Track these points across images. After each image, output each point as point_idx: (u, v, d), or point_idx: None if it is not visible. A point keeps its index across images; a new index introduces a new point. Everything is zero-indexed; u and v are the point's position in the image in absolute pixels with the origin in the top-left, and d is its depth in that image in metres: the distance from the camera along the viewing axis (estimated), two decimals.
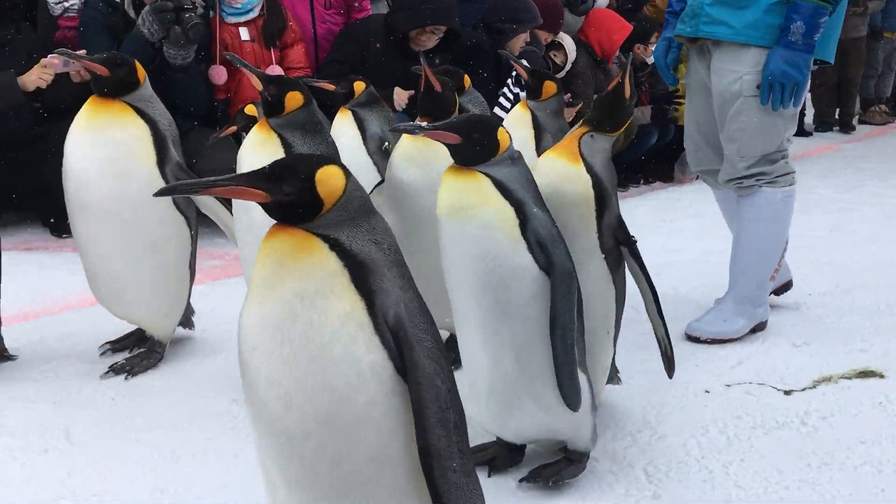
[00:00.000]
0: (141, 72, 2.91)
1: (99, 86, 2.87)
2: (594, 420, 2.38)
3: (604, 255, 2.46)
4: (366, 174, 3.24)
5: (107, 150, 2.82)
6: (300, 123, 2.66)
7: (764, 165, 3.41)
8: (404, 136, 2.83)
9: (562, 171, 2.43)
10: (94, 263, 3.02)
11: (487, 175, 2.16)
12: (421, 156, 2.83)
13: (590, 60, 6.58)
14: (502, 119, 5.25)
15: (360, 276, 1.56)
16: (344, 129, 3.52)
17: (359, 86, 3.56)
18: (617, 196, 2.55)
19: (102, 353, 3.24)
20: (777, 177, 3.43)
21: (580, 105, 5.67)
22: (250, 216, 2.65)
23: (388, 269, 1.60)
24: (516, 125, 3.51)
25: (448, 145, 2.16)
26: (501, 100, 5.36)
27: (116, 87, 2.86)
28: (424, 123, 2.24)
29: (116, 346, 3.27)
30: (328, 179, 1.59)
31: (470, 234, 2.14)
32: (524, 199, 2.16)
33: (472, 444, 2.44)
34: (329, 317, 1.52)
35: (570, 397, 2.17)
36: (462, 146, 2.16)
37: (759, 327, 3.61)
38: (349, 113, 3.56)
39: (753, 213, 3.47)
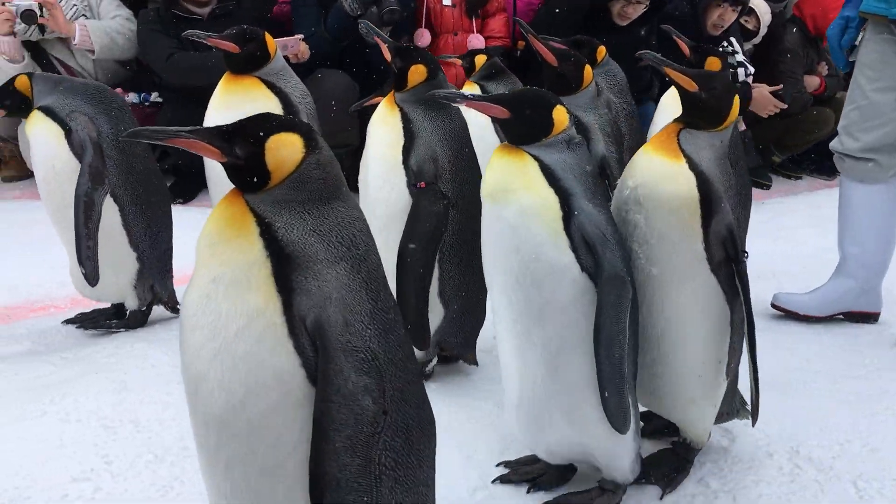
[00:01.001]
0: (271, 45, 2.86)
1: (231, 62, 2.86)
2: (637, 449, 2.07)
3: (712, 269, 2.04)
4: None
5: None
6: (423, 98, 2.49)
7: (883, 156, 3.13)
8: None
9: (659, 169, 2.02)
10: None
11: (536, 158, 1.88)
12: None
13: (801, 37, 5.79)
14: None
15: (284, 270, 1.37)
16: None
17: (480, 59, 3.40)
18: (749, 199, 2.17)
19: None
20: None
21: (779, 87, 5.05)
22: None
23: (327, 265, 1.39)
24: (667, 109, 3.32)
25: (496, 119, 1.92)
26: None
27: (247, 63, 2.84)
28: (469, 93, 1.97)
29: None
30: (280, 148, 1.41)
31: (507, 220, 1.87)
32: (573, 190, 1.86)
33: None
34: (239, 310, 1.35)
35: (616, 418, 1.86)
36: (511, 122, 1.90)
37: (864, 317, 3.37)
38: (475, 86, 3.41)
39: (866, 203, 3.23)
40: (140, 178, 2.88)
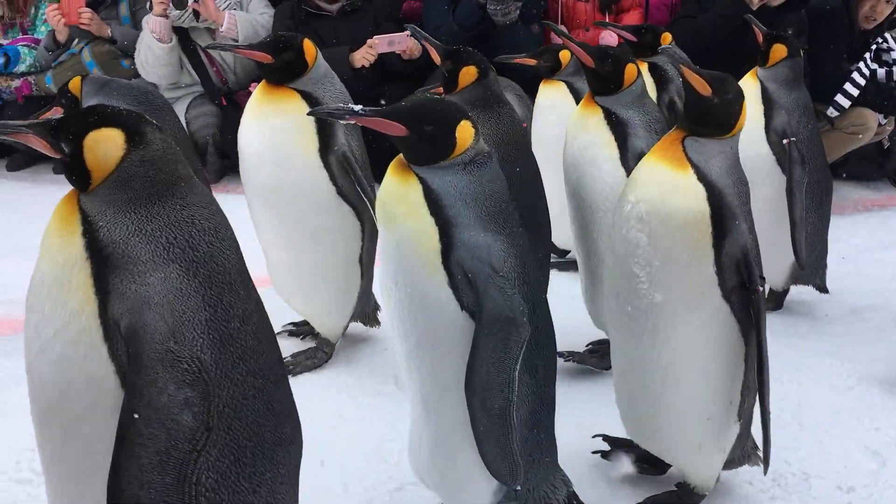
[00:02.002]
0: (310, 54, 2.59)
1: (265, 72, 2.62)
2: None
3: (724, 296, 1.77)
4: None
5: (266, 138, 2.58)
6: (473, 99, 2.41)
7: None
8: None
9: (663, 180, 1.77)
10: (265, 250, 2.78)
11: (423, 181, 1.64)
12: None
13: None
14: (852, 96, 4.32)
15: (103, 271, 1.30)
16: (557, 100, 3.21)
17: (565, 55, 3.20)
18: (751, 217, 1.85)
19: (278, 333, 3.08)
20: None
21: None
22: None
23: (152, 268, 1.29)
24: None
25: (393, 138, 1.68)
26: (854, 75, 4.32)
27: (282, 73, 2.58)
28: (360, 107, 1.67)
29: (297, 329, 2.99)
30: (98, 145, 1.33)
31: (390, 248, 1.68)
32: (458, 220, 1.61)
33: None
34: (58, 310, 1.31)
35: (499, 472, 1.64)
36: (409, 140, 1.65)
37: None
38: (562, 84, 3.24)
39: None
40: None
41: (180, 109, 4.98)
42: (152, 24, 4.77)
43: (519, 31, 4.71)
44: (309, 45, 2.58)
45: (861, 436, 2.37)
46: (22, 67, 5.23)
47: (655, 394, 1.91)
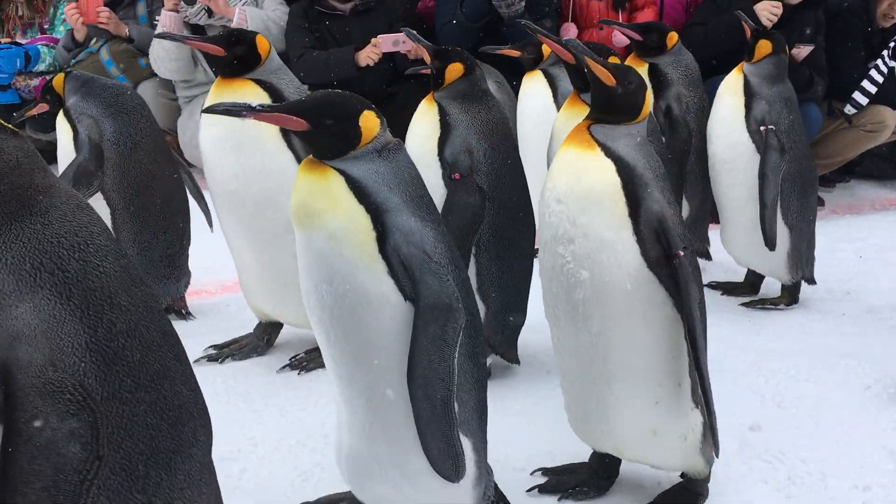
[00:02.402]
0: (263, 47, 2.58)
1: (218, 65, 2.62)
2: (483, 498, 1.78)
3: (650, 268, 1.76)
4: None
5: (226, 128, 2.51)
6: (460, 93, 2.47)
7: None
8: None
9: (573, 161, 1.80)
10: (233, 254, 2.73)
11: (342, 172, 1.59)
12: None
13: None
14: (870, 93, 4.28)
15: None
16: (535, 89, 3.27)
17: (547, 48, 3.23)
18: (674, 190, 1.92)
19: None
20: None
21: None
22: None
23: (17, 299, 1.19)
24: (726, 91, 3.12)
25: (296, 133, 1.64)
26: (872, 72, 4.27)
27: (236, 66, 2.56)
28: (258, 103, 1.65)
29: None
30: None
31: (315, 248, 1.60)
32: (388, 205, 1.57)
33: None
34: None
35: (443, 467, 1.58)
36: (311, 135, 1.62)
37: None
38: (539, 73, 3.31)
39: None
40: (137, 182, 2.85)
41: (196, 108, 4.99)
42: (164, 19, 4.79)
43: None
44: (262, 40, 2.59)
45: (878, 435, 2.32)
46: (42, 66, 5.25)
47: (600, 383, 1.88)
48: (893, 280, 3.53)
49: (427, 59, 2.55)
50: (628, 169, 1.78)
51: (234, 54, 2.55)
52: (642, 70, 3.24)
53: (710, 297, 3.15)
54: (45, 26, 5.53)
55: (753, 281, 3.36)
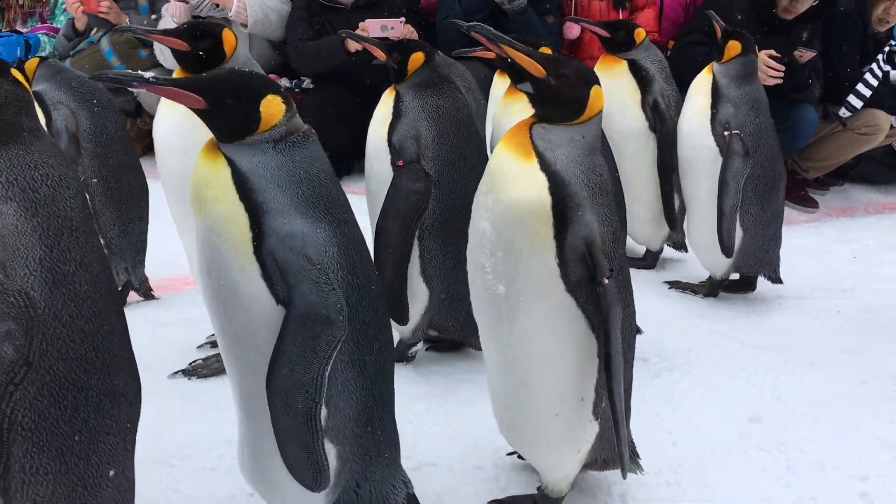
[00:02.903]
0: (229, 43, 2.47)
1: (181, 60, 2.49)
2: None
3: (568, 289, 1.69)
4: None
5: (178, 125, 2.42)
6: (419, 82, 2.47)
7: None
8: None
9: (507, 169, 1.69)
10: (187, 249, 2.65)
11: (231, 162, 1.51)
12: None
13: None
14: (865, 97, 4.33)
15: None
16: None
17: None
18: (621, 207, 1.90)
19: (200, 346, 2.80)
20: None
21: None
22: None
23: None
24: (695, 91, 3.14)
25: (194, 111, 1.54)
26: (867, 76, 4.32)
27: (199, 62, 2.44)
28: (151, 75, 1.63)
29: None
30: None
31: (200, 236, 1.55)
32: (270, 205, 1.49)
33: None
34: None
35: (302, 476, 1.53)
36: (208, 114, 1.53)
37: None
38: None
39: None
40: (115, 170, 2.96)
41: None
42: (171, 9, 4.78)
43: (533, 21, 4.71)
44: (229, 35, 2.48)
45: (876, 428, 2.35)
46: (42, 55, 5.24)
47: (509, 387, 1.85)
48: (888, 280, 3.57)
49: (382, 56, 2.53)
50: (562, 187, 1.67)
51: (198, 49, 2.44)
52: (620, 68, 3.29)
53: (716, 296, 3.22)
54: (46, 15, 5.52)
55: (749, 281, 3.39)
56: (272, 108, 1.53)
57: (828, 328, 3.08)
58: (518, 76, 2.57)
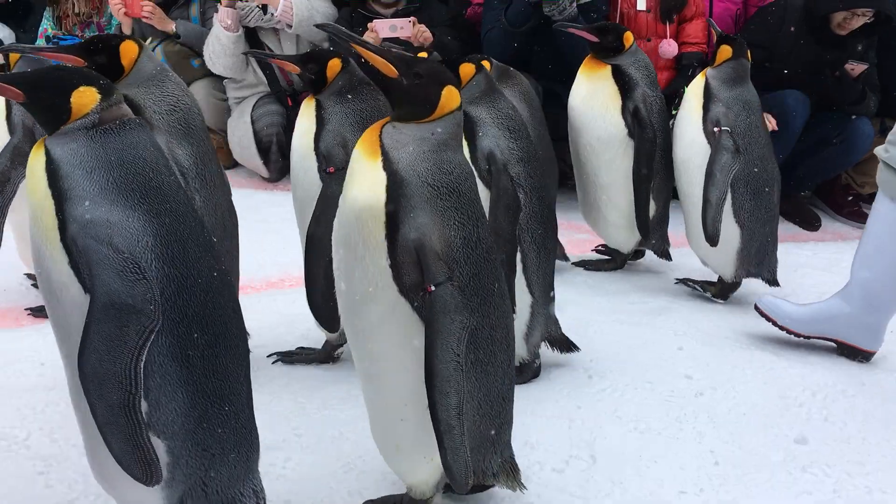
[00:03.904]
0: (127, 56, 2.35)
1: None
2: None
3: (401, 293, 1.67)
4: None
5: None
6: (338, 88, 2.47)
7: None
8: None
9: (354, 168, 1.72)
10: None
11: (47, 151, 1.56)
12: None
13: None
14: None
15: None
16: None
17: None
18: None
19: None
20: None
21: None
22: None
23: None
24: (690, 95, 3.24)
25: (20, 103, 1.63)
26: None
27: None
28: None
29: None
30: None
31: (28, 224, 1.61)
32: (75, 192, 1.51)
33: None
34: None
35: (128, 467, 1.52)
36: (28, 106, 1.63)
37: (853, 352, 2.82)
38: None
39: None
40: None
41: (246, 108, 5.05)
42: (221, 14, 4.85)
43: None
44: (128, 47, 2.37)
45: None
46: None
47: (363, 381, 1.84)
48: None
49: (294, 68, 2.52)
50: (400, 186, 1.66)
51: (95, 63, 2.31)
52: (604, 72, 3.28)
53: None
54: (103, 25, 5.63)
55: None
56: (84, 98, 1.57)
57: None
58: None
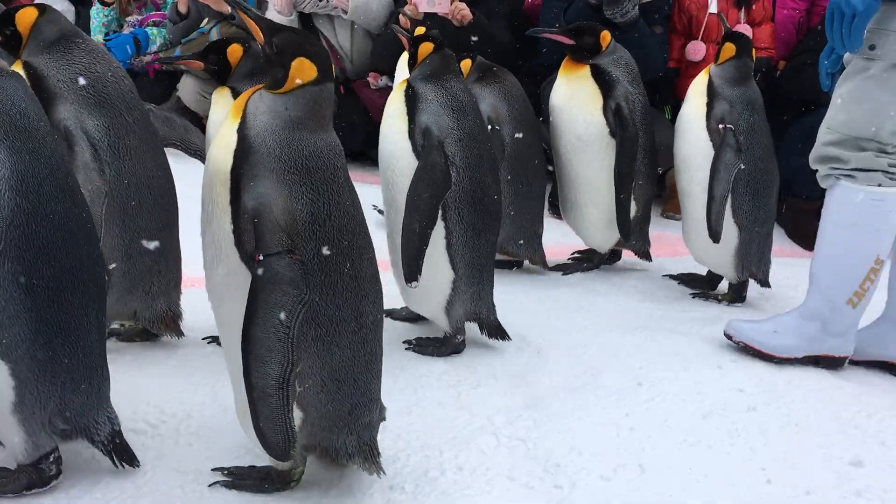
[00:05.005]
0: (23, 22, 2.31)
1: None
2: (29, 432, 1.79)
3: (243, 259, 1.74)
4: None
5: None
6: (245, 70, 2.56)
7: (845, 149, 2.53)
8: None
9: (220, 130, 1.79)
10: None
11: None
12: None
13: None
14: None
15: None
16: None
17: (466, 64, 3.27)
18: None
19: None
20: (857, 169, 2.52)
21: None
22: None
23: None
24: (693, 93, 3.26)
25: None
26: None
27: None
28: None
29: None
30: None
31: None
32: None
33: None
34: None
35: None
36: None
37: (829, 361, 2.75)
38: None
39: (832, 212, 2.62)
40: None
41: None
42: (276, 1, 4.87)
43: (644, 32, 4.59)
44: (23, 15, 2.31)
45: None
46: (153, 48, 5.39)
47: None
48: None
49: (199, 65, 2.63)
50: (248, 153, 1.70)
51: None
52: (583, 72, 3.29)
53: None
54: (160, 2, 5.67)
55: (713, 277, 3.43)
56: None
57: None
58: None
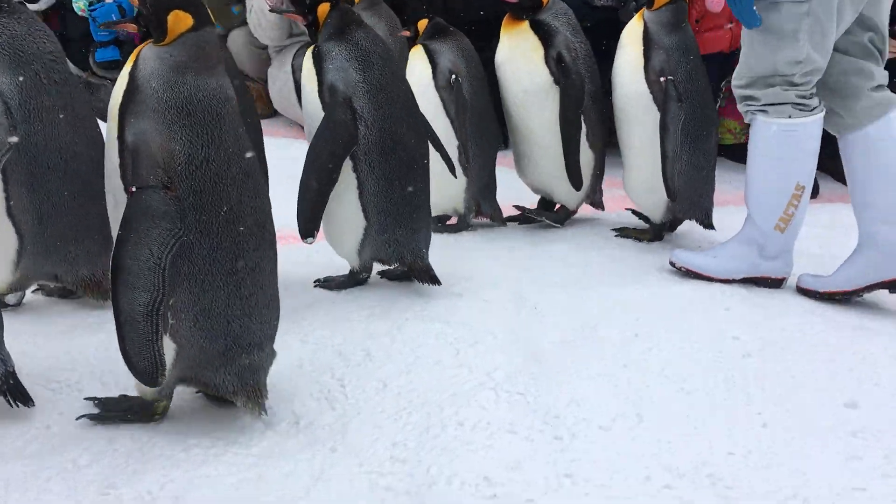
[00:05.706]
0: None
1: None
2: None
3: (127, 193, 1.92)
4: (434, 109, 3.19)
5: None
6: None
7: (756, 89, 2.75)
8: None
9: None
10: None
11: None
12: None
13: None
14: None
15: None
16: (413, 66, 3.33)
17: (422, 23, 3.39)
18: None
19: None
20: (768, 105, 2.73)
21: None
22: None
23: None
24: (626, 39, 3.26)
25: None
26: None
27: None
28: None
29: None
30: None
31: None
32: None
33: None
34: None
35: None
36: None
37: (767, 282, 2.97)
38: (420, 48, 3.35)
39: (753, 145, 2.84)
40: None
41: (286, 58, 5.02)
42: None
43: None
44: None
45: None
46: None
47: None
48: None
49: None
50: (135, 92, 1.85)
51: None
52: (523, 27, 3.31)
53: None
54: None
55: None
56: None
57: None
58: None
